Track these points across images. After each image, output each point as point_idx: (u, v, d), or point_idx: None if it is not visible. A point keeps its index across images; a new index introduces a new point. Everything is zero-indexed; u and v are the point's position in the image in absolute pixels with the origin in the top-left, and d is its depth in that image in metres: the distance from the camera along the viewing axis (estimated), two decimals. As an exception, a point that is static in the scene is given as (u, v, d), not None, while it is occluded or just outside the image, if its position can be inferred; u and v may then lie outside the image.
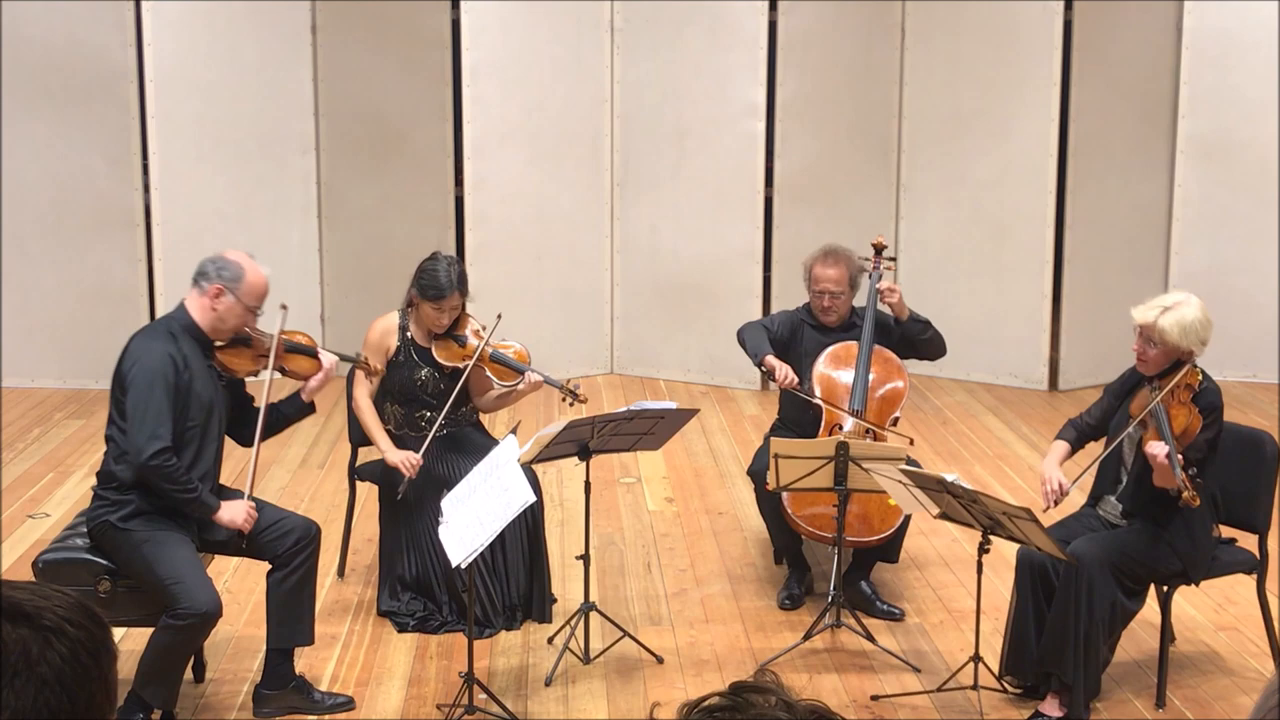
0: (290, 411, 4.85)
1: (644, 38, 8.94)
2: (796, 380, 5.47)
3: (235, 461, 7.33)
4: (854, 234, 8.18)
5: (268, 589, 4.65)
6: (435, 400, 5.38)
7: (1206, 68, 8.80)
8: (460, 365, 5.33)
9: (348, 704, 4.75)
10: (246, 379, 4.76)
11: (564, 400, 5.32)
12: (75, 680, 1.56)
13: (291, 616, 4.64)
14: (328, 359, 4.80)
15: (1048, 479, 4.74)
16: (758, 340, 5.61)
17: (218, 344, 4.59)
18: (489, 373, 5.37)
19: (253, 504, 4.58)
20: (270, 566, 4.65)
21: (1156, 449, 4.43)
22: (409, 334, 5.41)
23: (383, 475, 5.53)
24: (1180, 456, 4.41)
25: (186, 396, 4.42)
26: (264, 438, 4.75)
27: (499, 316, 5.31)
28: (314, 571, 4.70)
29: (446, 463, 5.33)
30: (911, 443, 5.56)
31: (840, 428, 5.49)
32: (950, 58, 8.87)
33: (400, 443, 5.38)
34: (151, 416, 4.34)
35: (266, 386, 4.62)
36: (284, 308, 4.69)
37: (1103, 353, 8.86)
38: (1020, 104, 8.70)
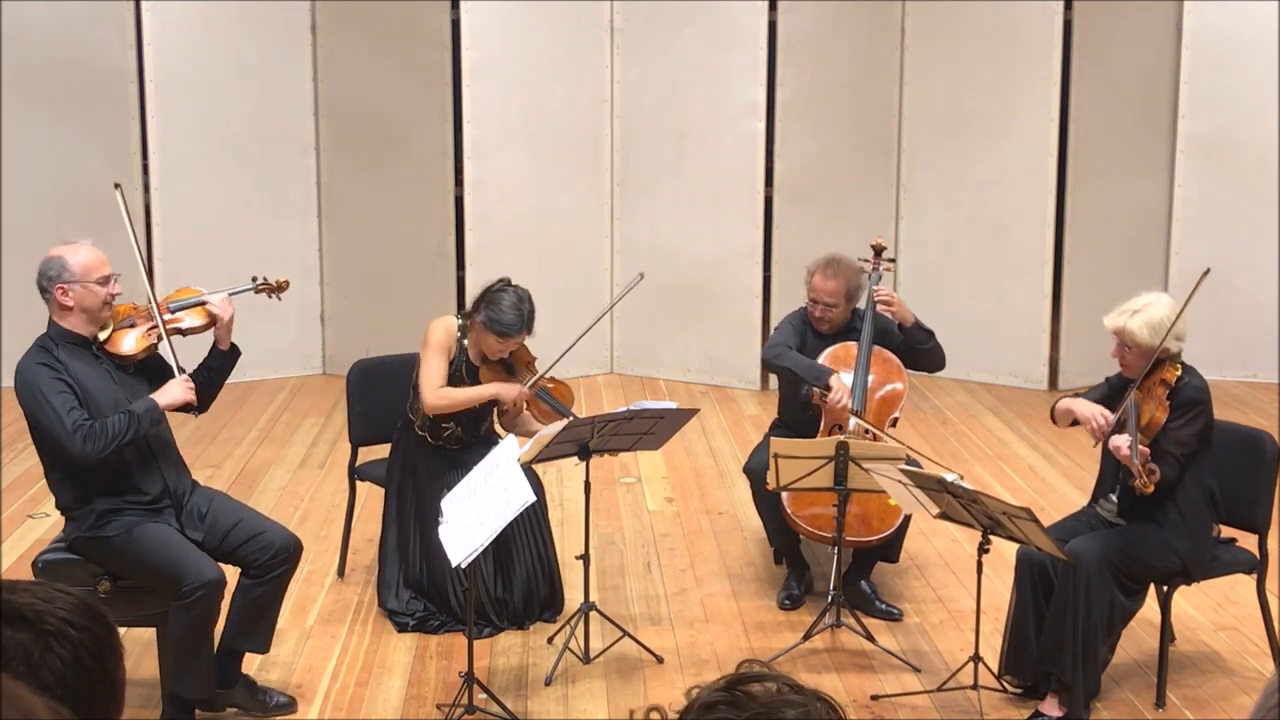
0: (216, 365, 4.74)
1: (644, 38, 8.94)
2: (850, 404, 5.41)
3: (235, 461, 7.36)
4: (854, 234, 8.18)
5: (237, 590, 4.60)
6: (466, 417, 5.31)
7: (1206, 68, 8.80)
8: (506, 402, 5.27)
9: (289, 705, 4.73)
10: (154, 354, 4.59)
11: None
12: (77, 683, 1.56)
13: (253, 623, 4.61)
14: (217, 300, 4.67)
15: (1090, 415, 4.66)
16: (808, 363, 5.52)
17: (102, 338, 4.49)
18: (531, 411, 5.31)
19: (184, 377, 4.50)
20: (242, 571, 4.63)
21: (1120, 441, 4.45)
22: (465, 351, 5.28)
23: (387, 475, 5.52)
24: (1145, 449, 4.43)
25: (77, 397, 4.35)
26: (207, 398, 4.70)
27: (561, 356, 5.18)
28: (285, 584, 4.67)
29: (452, 468, 5.26)
30: (962, 478, 5.56)
31: (840, 428, 5.49)
32: (950, 58, 8.87)
33: (416, 445, 5.35)
34: (56, 414, 4.28)
35: (172, 355, 4.54)
36: (118, 186, 4.72)
37: (1103, 353, 8.76)
38: (1020, 104, 8.70)
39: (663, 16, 8.88)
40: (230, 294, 4.77)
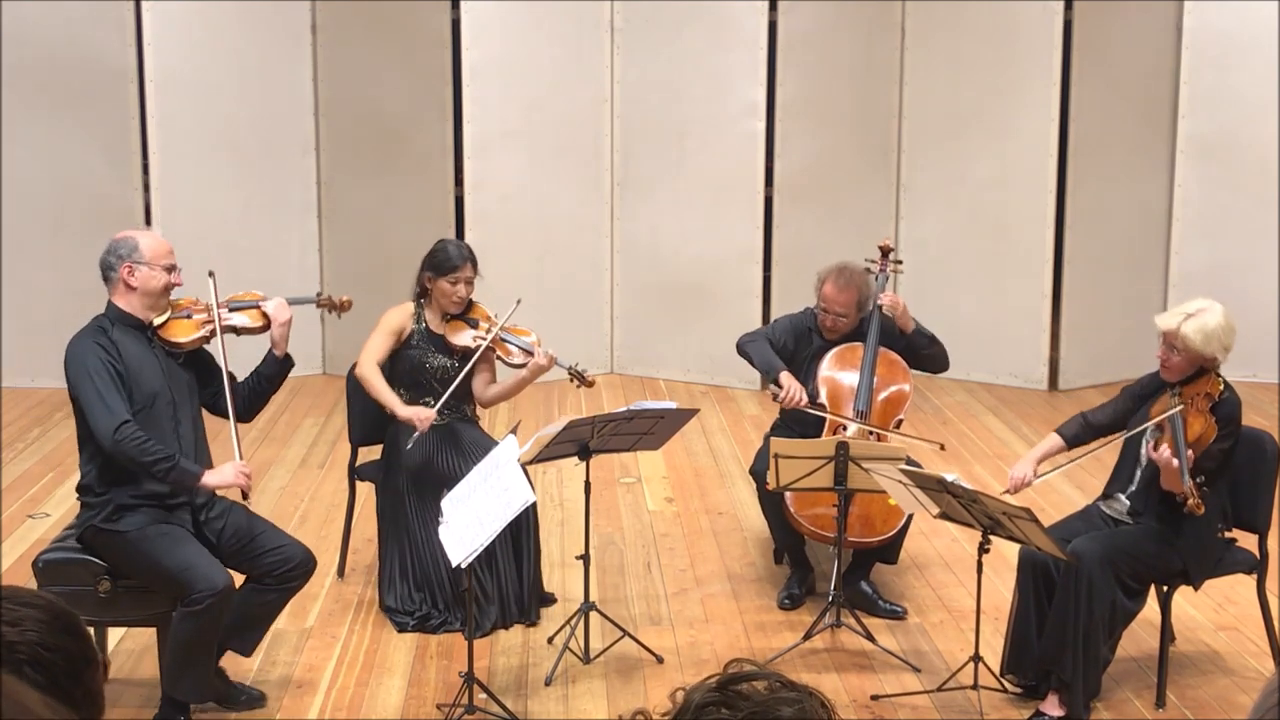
0: (270, 371, 4.76)
1: (644, 38, 8.93)
2: (805, 400, 5.46)
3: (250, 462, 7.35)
4: (854, 234, 8.19)
5: (242, 593, 4.60)
6: (442, 388, 5.40)
7: (1206, 68, 8.79)
8: (473, 346, 5.37)
9: (259, 700, 4.74)
10: (200, 347, 4.65)
11: (572, 382, 5.38)
12: (58, 702, 1.54)
13: (248, 626, 4.63)
14: (272, 304, 4.73)
15: (1015, 468, 4.93)
16: (766, 355, 5.60)
17: (157, 323, 4.54)
18: (500, 354, 5.41)
19: (243, 463, 4.54)
20: (248, 576, 4.63)
21: (1166, 454, 4.44)
22: (424, 321, 5.47)
23: (381, 472, 5.53)
24: (1190, 463, 4.41)
25: (124, 382, 4.38)
26: (254, 406, 4.77)
27: (518, 301, 5.34)
28: (292, 596, 4.69)
29: (446, 459, 5.32)
30: (942, 448, 5.70)
31: (844, 429, 5.49)
32: (950, 58, 8.87)
33: (402, 427, 5.38)
34: (101, 400, 4.32)
35: (223, 355, 4.58)
36: (211, 275, 4.67)
37: (1103, 353, 8.86)
38: (1020, 104, 8.70)
39: (663, 16, 8.88)
40: (288, 301, 4.81)
